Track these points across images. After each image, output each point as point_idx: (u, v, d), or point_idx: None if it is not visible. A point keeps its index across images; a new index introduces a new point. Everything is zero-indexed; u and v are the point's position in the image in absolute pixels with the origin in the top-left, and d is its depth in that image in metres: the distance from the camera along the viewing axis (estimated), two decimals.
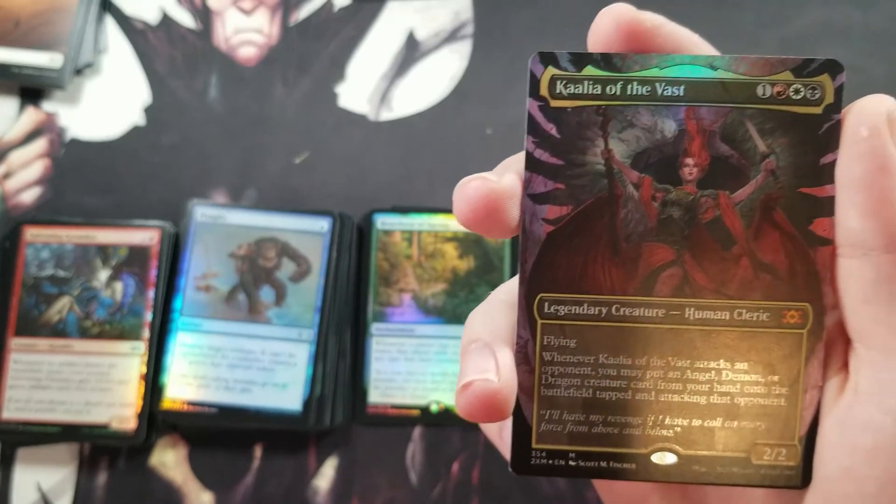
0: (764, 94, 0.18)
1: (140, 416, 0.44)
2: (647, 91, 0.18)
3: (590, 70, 0.18)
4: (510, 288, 0.20)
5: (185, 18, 0.53)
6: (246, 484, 0.45)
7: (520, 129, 0.54)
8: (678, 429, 0.19)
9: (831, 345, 0.19)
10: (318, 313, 0.45)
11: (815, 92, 0.18)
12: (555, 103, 0.18)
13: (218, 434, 0.45)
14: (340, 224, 0.46)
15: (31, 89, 0.52)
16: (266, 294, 0.45)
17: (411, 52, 0.52)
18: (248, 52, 0.52)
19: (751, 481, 0.19)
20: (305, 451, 0.45)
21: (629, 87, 0.18)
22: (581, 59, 0.18)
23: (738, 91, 0.18)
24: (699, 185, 0.18)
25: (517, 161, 0.19)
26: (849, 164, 0.17)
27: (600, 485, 0.23)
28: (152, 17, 0.53)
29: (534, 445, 0.19)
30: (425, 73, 0.51)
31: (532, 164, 0.18)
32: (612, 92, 0.18)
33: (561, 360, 0.19)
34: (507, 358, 0.19)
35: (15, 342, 0.45)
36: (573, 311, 0.19)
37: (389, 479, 0.45)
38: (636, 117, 0.18)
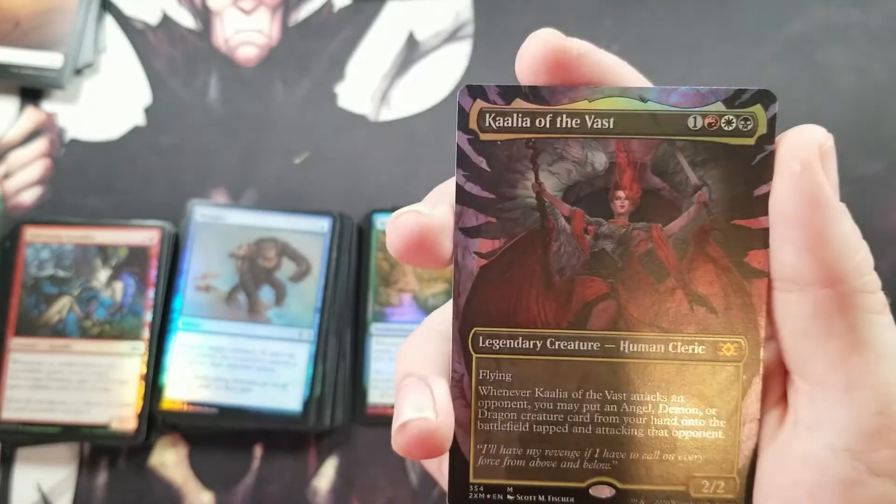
0: (695, 126, 0.18)
1: (140, 416, 0.44)
2: (577, 124, 0.18)
3: (518, 103, 0.18)
4: (443, 318, 0.20)
5: (185, 18, 0.53)
6: (246, 484, 0.45)
7: None
8: (616, 462, 0.19)
9: (770, 377, 0.19)
10: (318, 313, 0.45)
11: (748, 123, 0.18)
12: (484, 136, 0.18)
13: (218, 434, 0.45)
14: (340, 224, 0.46)
15: (31, 89, 0.52)
16: (266, 294, 0.45)
17: (411, 52, 0.52)
18: (248, 52, 0.52)
19: None
20: (305, 451, 0.45)
21: (558, 119, 0.18)
22: (509, 91, 0.18)
23: (668, 123, 0.18)
24: (631, 218, 0.18)
25: (449, 191, 0.19)
26: (782, 199, 0.17)
27: None
28: (152, 17, 0.53)
29: (472, 480, 0.19)
30: (425, 73, 0.51)
31: (463, 198, 0.18)
32: (542, 125, 0.18)
33: (497, 394, 0.19)
34: (442, 392, 0.18)
35: (15, 342, 0.45)
36: (508, 345, 0.18)
37: (389, 479, 0.45)
38: (566, 150, 0.18)
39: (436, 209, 0.19)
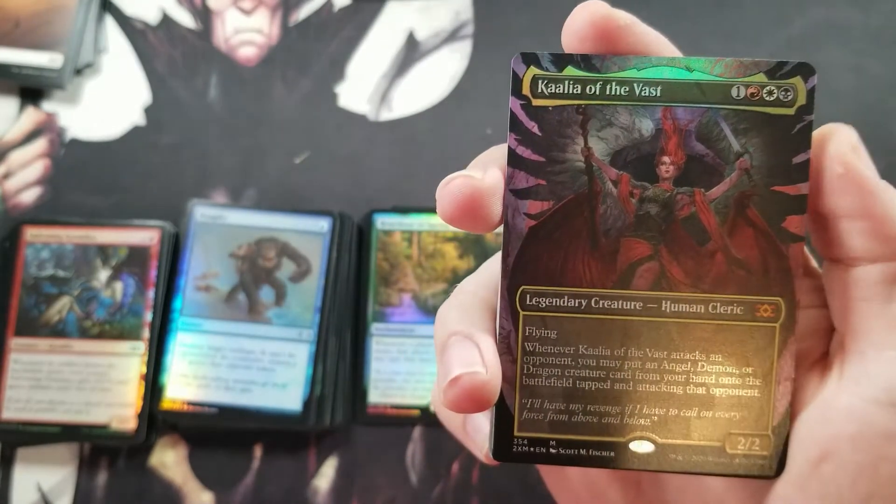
0: (738, 96, 0.19)
1: (140, 416, 0.44)
2: (626, 91, 0.19)
3: (570, 70, 0.19)
4: (479, 280, 0.21)
5: (185, 18, 0.53)
6: (246, 484, 0.45)
7: None
8: (655, 418, 0.19)
9: (808, 341, 0.20)
10: (318, 313, 0.45)
11: (788, 94, 0.18)
12: (536, 102, 0.19)
13: (218, 434, 0.45)
14: (340, 224, 0.46)
15: (31, 89, 0.52)
16: (266, 294, 0.45)
17: (411, 52, 0.52)
18: (248, 52, 0.52)
19: (725, 470, 0.19)
20: (305, 451, 0.45)
21: (608, 87, 0.19)
22: (562, 59, 0.19)
23: (713, 92, 0.19)
24: (675, 183, 0.19)
25: (498, 156, 0.20)
26: (837, 200, 0.18)
27: (554, 481, 0.24)
28: (152, 17, 0.53)
29: (516, 433, 0.20)
30: (425, 73, 0.51)
31: (514, 161, 0.19)
32: (592, 92, 0.19)
33: (542, 350, 0.20)
34: (490, 348, 0.19)
35: (15, 342, 0.45)
36: (554, 304, 0.19)
37: (389, 479, 0.45)
38: (615, 116, 0.19)
39: (487, 173, 0.19)
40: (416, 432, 0.45)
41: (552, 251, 0.19)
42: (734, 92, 0.19)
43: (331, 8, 0.53)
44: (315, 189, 0.49)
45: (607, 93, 0.19)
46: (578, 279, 0.19)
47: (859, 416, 0.18)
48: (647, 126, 0.19)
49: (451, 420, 0.23)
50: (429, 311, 0.46)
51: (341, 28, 0.52)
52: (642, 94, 0.19)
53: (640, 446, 0.19)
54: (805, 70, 0.18)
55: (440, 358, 0.20)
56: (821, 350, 0.20)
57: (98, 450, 0.45)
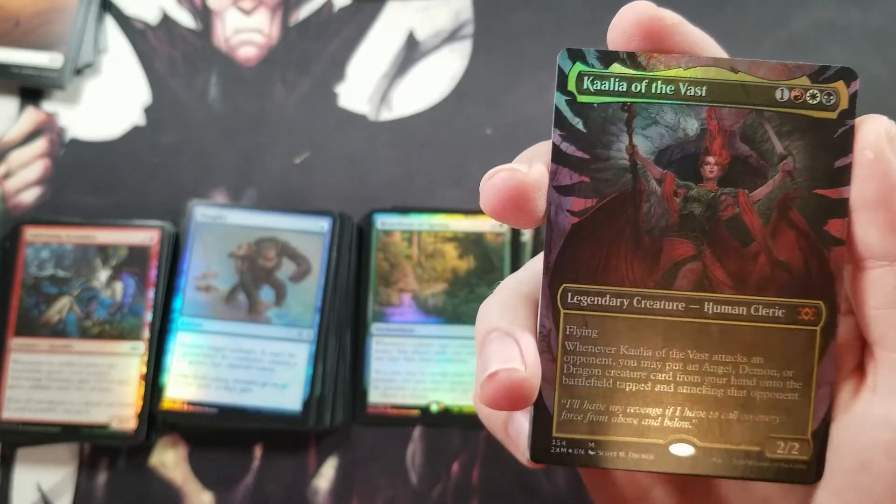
0: (782, 98, 0.19)
1: (140, 416, 0.44)
2: (671, 90, 0.19)
3: (616, 68, 0.19)
4: (521, 278, 0.21)
5: (185, 18, 0.53)
6: (246, 484, 0.45)
7: (520, 129, 0.55)
8: (696, 421, 0.19)
9: (847, 348, 0.19)
10: (318, 313, 0.45)
11: (831, 97, 0.19)
12: (581, 98, 0.19)
13: (218, 434, 0.45)
14: (340, 224, 0.46)
15: (31, 89, 0.52)
16: (266, 294, 0.45)
17: (411, 52, 0.52)
18: (248, 52, 0.52)
19: (764, 475, 0.19)
20: (305, 451, 0.45)
21: (654, 85, 0.19)
22: (608, 56, 0.19)
23: (757, 94, 0.19)
24: (719, 183, 0.19)
25: (543, 152, 0.20)
26: (861, 186, 0.18)
27: (594, 481, 0.23)
28: (152, 17, 0.53)
29: (554, 434, 0.19)
30: (425, 73, 0.51)
31: (558, 157, 0.19)
32: (638, 90, 0.19)
33: (583, 350, 0.19)
34: (530, 345, 0.19)
35: (15, 342, 0.45)
36: (596, 302, 0.19)
37: (389, 479, 0.45)
38: (660, 115, 0.19)
39: (532, 168, 0.19)
40: (416, 432, 0.45)
41: (594, 249, 0.19)
42: (778, 94, 0.19)
43: (331, 8, 0.53)
44: (315, 189, 0.49)
45: (653, 91, 0.19)
46: (620, 278, 0.19)
47: (893, 425, 0.18)
48: (692, 125, 0.19)
49: (491, 420, 0.23)
50: (429, 311, 0.46)
51: (341, 28, 0.52)
52: (688, 93, 0.19)
53: (681, 449, 0.19)
54: (848, 75, 0.19)
55: (479, 353, 0.19)
56: (857, 357, 0.20)
57: (98, 450, 0.45)
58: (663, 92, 0.19)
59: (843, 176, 0.18)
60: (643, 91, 0.19)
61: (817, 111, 0.19)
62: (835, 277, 0.19)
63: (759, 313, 0.19)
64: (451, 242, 0.46)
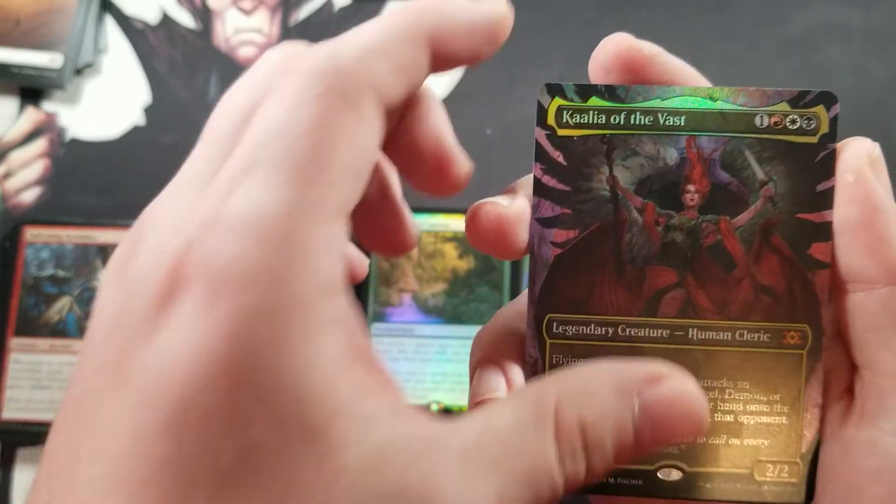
0: (762, 124, 0.19)
1: None
2: (650, 121, 0.19)
3: (594, 101, 0.19)
4: (513, 306, 0.21)
5: (185, 18, 0.53)
6: None
7: (519, 129, 0.55)
8: (683, 446, 0.19)
9: (835, 371, 0.19)
10: None
11: (811, 122, 0.19)
12: (561, 132, 0.19)
13: None
14: None
15: (31, 89, 0.52)
16: None
17: None
18: (248, 52, 0.52)
19: (753, 498, 0.19)
20: None
21: (632, 116, 0.19)
22: (586, 90, 0.19)
23: (736, 121, 0.19)
24: (700, 211, 0.19)
25: (526, 184, 0.20)
26: (843, 209, 0.18)
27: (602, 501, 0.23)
28: (152, 17, 0.53)
29: None
30: None
31: (540, 190, 0.19)
32: (616, 121, 0.19)
33: None
34: (517, 376, 0.19)
35: (15, 342, 0.45)
36: (581, 331, 0.19)
37: None
38: (639, 146, 0.19)
39: (514, 201, 0.19)
40: None
41: (578, 279, 0.19)
42: (758, 121, 0.19)
43: (331, 8, 0.53)
44: None
45: (632, 122, 0.19)
46: (605, 307, 0.19)
47: (881, 450, 0.18)
48: (671, 155, 0.19)
49: None
50: (429, 311, 0.46)
51: (341, 28, 0.52)
52: (666, 123, 0.19)
53: (669, 474, 0.19)
54: (828, 99, 0.19)
55: (470, 383, 0.20)
56: (847, 380, 0.20)
57: None
58: (642, 123, 0.19)
59: (825, 199, 0.18)
60: (622, 123, 0.19)
61: (798, 136, 0.19)
62: (819, 301, 0.19)
63: (744, 338, 0.19)
64: (451, 242, 0.46)
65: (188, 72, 0.52)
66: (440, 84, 0.51)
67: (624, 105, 0.19)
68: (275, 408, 0.13)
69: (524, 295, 0.21)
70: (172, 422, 0.13)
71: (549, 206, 0.19)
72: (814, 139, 0.19)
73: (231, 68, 0.52)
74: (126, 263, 0.15)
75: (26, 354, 0.45)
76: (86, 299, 0.45)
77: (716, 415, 0.19)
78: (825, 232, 0.18)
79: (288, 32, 0.52)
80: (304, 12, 0.53)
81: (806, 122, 0.19)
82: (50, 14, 0.51)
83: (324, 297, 0.14)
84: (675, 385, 0.16)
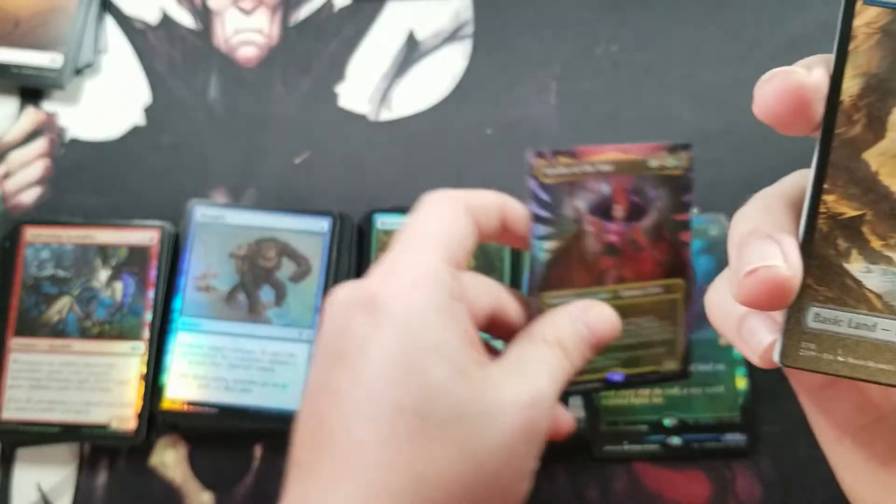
0: (653, 165, 0.29)
1: (140, 416, 0.44)
2: (593, 169, 0.29)
3: (562, 159, 0.28)
4: (782, 186, 0.22)
5: (185, 18, 0.53)
6: (246, 484, 0.45)
7: (519, 129, 0.55)
8: (622, 356, 0.31)
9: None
10: (319, 313, 0.45)
11: (680, 161, 0.29)
12: (544, 180, 0.28)
13: (218, 434, 0.45)
14: (340, 224, 0.46)
15: (31, 89, 0.52)
16: (266, 294, 0.45)
17: (411, 52, 0.52)
18: (248, 52, 0.52)
19: (663, 375, 0.31)
20: None
21: (584, 167, 0.29)
22: (557, 153, 0.28)
23: (640, 166, 0.29)
24: (624, 221, 0.29)
25: (822, 58, 0.20)
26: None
27: (819, 401, 0.23)
28: (152, 17, 0.53)
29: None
30: (425, 73, 0.51)
31: (536, 218, 0.28)
32: (574, 171, 0.28)
33: None
34: (792, 247, 0.19)
35: (15, 342, 0.45)
36: (562, 298, 0.29)
37: None
38: (589, 184, 0.29)
39: (813, 71, 0.19)
40: None
41: (560, 269, 0.29)
42: (651, 163, 0.29)
43: (331, 8, 0.53)
44: (315, 189, 0.49)
45: (584, 171, 0.29)
46: (574, 284, 0.29)
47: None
48: (606, 188, 0.29)
49: (723, 321, 0.23)
50: None
51: (341, 28, 0.52)
52: (602, 169, 0.29)
53: (613, 377, 0.30)
54: (687, 147, 0.29)
55: (736, 254, 0.19)
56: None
57: (98, 450, 0.45)
58: (589, 171, 0.29)
59: (687, 205, 0.30)
60: (578, 172, 0.28)
61: (672, 171, 0.29)
62: (686, 264, 0.30)
63: (649, 291, 0.30)
64: None
65: (188, 72, 0.52)
66: (440, 84, 0.51)
67: (577, 160, 0.28)
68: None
69: (786, 178, 0.23)
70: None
71: (542, 228, 0.29)
72: (680, 172, 0.29)
73: (231, 68, 0.52)
74: None
75: (26, 354, 0.45)
76: (86, 299, 0.45)
77: (638, 338, 0.30)
78: (687, 225, 0.30)
79: (288, 32, 0.53)
80: (304, 12, 0.53)
81: (676, 161, 0.29)
82: (50, 14, 0.51)
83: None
84: (600, 308, 0.28)
